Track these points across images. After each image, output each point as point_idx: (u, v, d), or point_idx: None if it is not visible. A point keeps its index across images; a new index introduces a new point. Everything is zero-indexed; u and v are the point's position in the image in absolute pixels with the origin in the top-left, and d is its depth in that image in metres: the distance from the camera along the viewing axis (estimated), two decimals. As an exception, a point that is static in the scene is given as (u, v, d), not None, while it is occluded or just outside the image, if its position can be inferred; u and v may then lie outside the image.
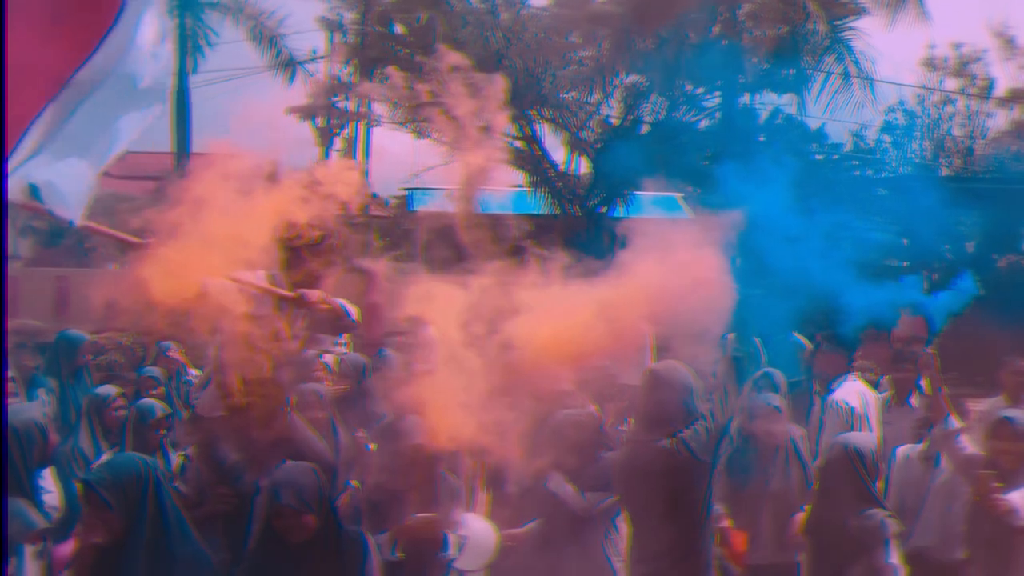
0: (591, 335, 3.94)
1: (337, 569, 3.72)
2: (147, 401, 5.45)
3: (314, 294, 4.53)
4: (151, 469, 3.68)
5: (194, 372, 6.96)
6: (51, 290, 15.35)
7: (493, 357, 3.96)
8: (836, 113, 19.66)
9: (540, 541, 4.78)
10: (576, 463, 4.76)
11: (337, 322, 4.71)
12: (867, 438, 4.94)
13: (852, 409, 6.61)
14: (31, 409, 5.01)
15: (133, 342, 12.01)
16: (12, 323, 13.56)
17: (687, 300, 3.93)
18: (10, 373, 6.29)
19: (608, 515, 4.80)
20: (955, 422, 5.07)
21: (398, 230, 25.86)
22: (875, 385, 7.41)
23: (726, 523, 5.38)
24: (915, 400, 6.80)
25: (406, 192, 27.46)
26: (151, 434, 5.17)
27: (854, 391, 6.77)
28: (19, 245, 22.22)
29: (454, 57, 4.41)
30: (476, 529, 4.76)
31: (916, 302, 4.79)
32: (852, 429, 6.41)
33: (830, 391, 6.76)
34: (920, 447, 5.74)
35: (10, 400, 5.63)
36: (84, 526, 3.61)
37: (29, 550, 4.14)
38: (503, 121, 4.38)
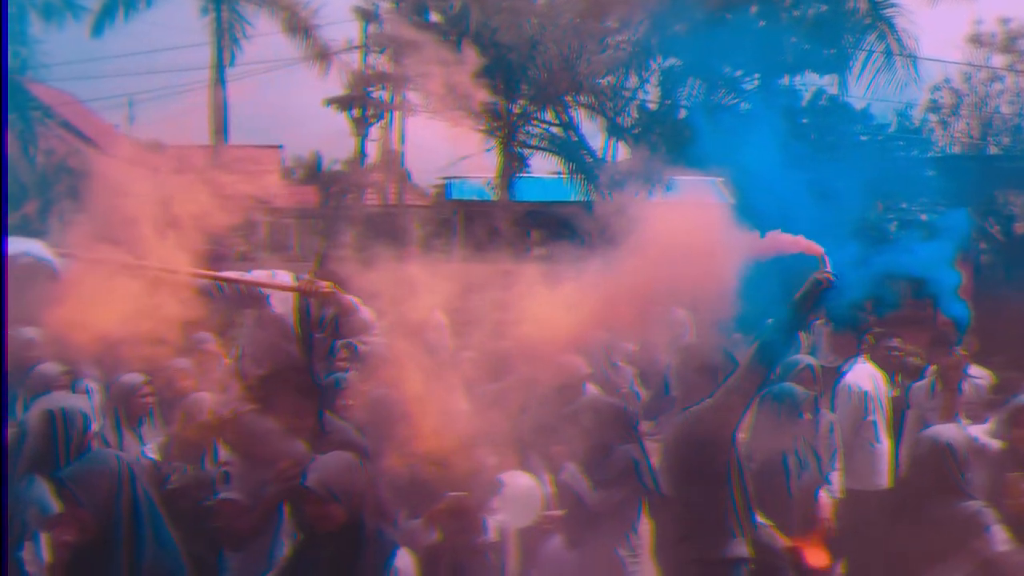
0: (598, 318, 3.88)
1: (357, 571, 3.62)
2: (200, 397, 5.22)
3: (322, 285, 4.48)
4: (128, 466, 3.55)
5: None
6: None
7: (502, 346, 3.91)
8: (879, 93, 19.29)
9: (561, 528, 4.74)
10: (592, 452, 4.69)
11: (347, 318, 4.65)
12: (957, 431, 4.82)
13: (865, 393, 6.54)
14: (76, 399, 4.98)
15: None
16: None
17: (692, 281, 3.86)
18: (58, 366, 6.28)
19: (623, 511, 4.70)
20: (963, 422, 4.93)
21: (437, 219, 25.91)
22: (921, 372, 7.25)
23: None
24: (964, 385, 6.68)
25: (444, 181, 27.51)
26: (200, 435, 4.98)
27: (865, 374, 6.68)
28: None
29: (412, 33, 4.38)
30: (520, 485, 4.71)
31: (911, 268, 4.56)
32: (866, 413, 6.43)
33: (841, 375, 6.63)
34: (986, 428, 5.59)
35: (56, 392, 5.62)
36: (58, 523, 3.52)
37: (44, 537, 4.07)
38: (480, 94, 4.33)
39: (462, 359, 6.68)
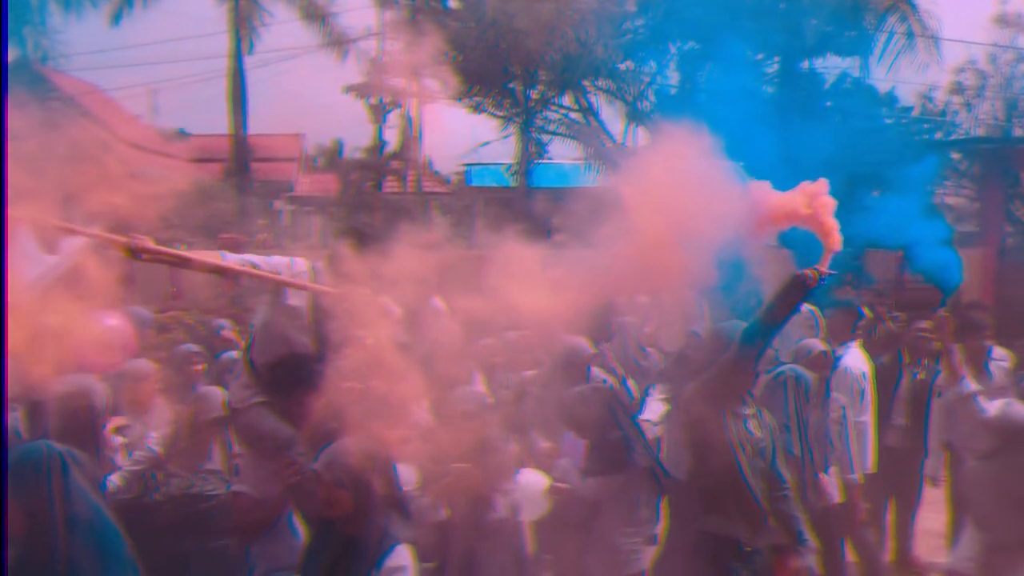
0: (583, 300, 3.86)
1: (355, 563, 3.57)
2: (210, 391, 5.11)
3: (360, 291, 4.44)
4: (59, 456, 3.29)
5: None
6: (116, 271, 15.57)
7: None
8: (899, 74, 19.08)
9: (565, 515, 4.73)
10: (584, 441, 4.67)
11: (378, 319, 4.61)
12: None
13: (863, 374, 6.58)
14: (92, 379, 4.99)
15: (196, 321, 12.19)
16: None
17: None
18: None
19: (622, 497, 4.66)
20: (971, 384, 4.79)
21: (458, 206, 25.93)
22: (937, 355, 7.21)
23: None
24: (993, 368, 6.64)
25: (465, 168, 27.49)
26: (209, 428, 4.92)
27: (860, 358, 6.74)
28: (88, 227, 22.62)
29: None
30: (529, 481, 4.70)
31: (884, 234, 4.36)
32: (863, 396, 6.44)
33: (837, 357, 6.63)
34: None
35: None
36: None
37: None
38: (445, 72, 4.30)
39: (480, 346, 6.69)
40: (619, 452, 4.60)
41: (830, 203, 4.12)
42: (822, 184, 4.15)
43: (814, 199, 4.10)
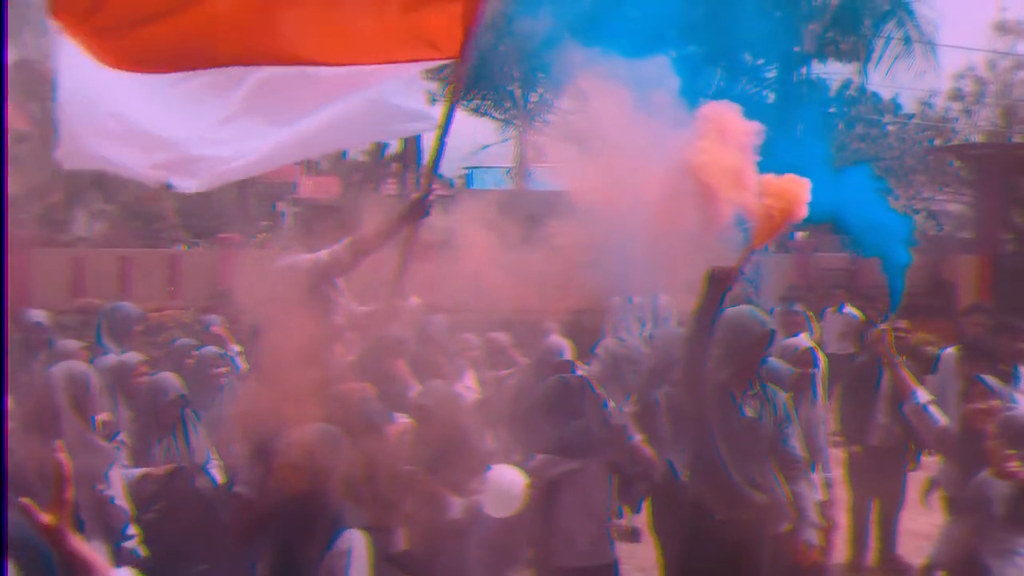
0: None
1: (304, 544, 3.59)
2: (163, 377, 5.14)
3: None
4: None
5: (236, 348, 6.98)
6: (115, 269, 15.66)
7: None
8: (896, 80, 19.09)
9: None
10: (546, 426, 4.70)
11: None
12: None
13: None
14: (85, 366, 5.04)
15: (193, 320, 12.25)
16: (78, 301, 13.86)
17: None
18: (78, 342, 6.36)
19: (582, 487, 4.68)
20: (923, 395, 4.77)
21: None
22: (935, 361, 7.22)
23: None
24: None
25: (466, 171, 27.55)
26: (166, 412, 4.95)
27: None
28: (91, 226, 22.74)
29: None
30: (504, 478, 4.69)
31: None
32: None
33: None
34: None
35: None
36: None
37: (116, 473, 4.42)
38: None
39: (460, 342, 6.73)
40: (577, 439, 4.62)
41: (747, 150, 3.83)
42: (733, 115, 3.85)
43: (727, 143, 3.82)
